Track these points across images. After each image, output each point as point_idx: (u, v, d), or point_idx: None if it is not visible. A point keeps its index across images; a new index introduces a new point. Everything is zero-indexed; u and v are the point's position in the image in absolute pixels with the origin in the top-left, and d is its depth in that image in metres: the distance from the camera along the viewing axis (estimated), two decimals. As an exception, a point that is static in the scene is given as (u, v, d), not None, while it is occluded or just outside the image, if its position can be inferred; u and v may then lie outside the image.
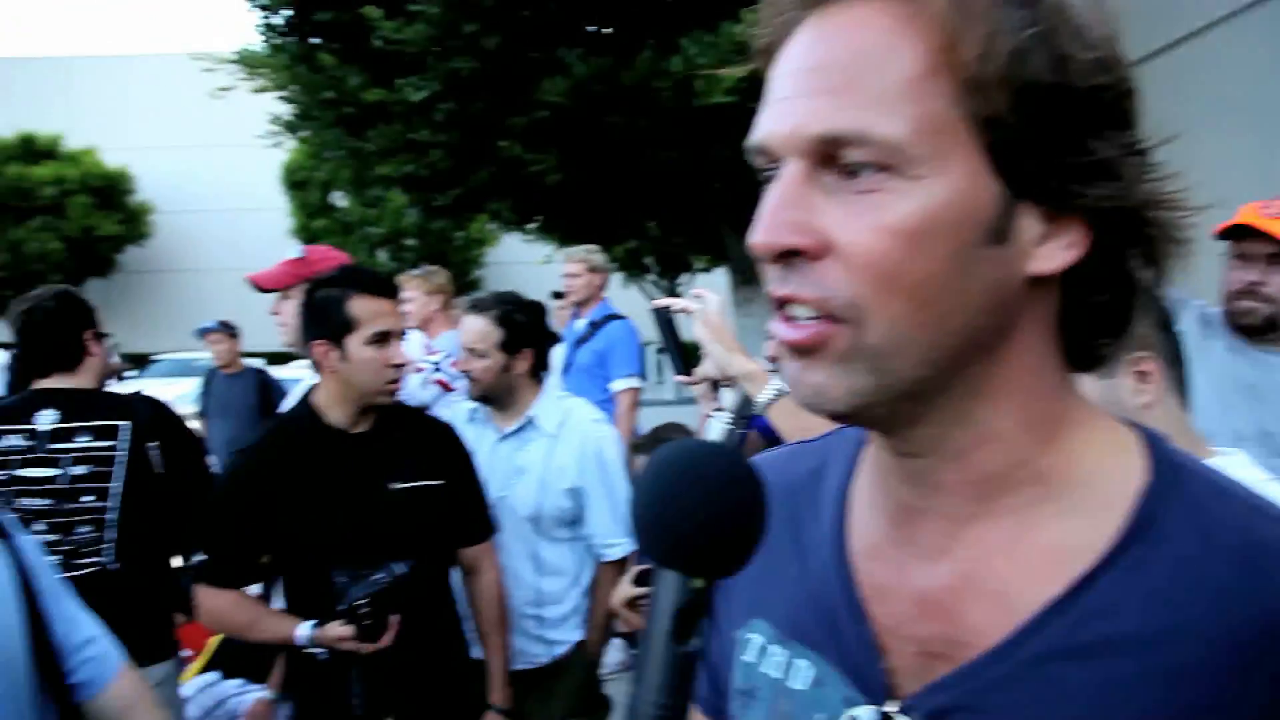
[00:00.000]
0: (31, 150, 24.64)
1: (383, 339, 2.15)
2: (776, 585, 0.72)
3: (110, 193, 25.54)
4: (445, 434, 2.38)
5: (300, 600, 2.21)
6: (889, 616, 0.66)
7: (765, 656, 0.72)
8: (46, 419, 2.51)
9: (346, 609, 2.08)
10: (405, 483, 2.20)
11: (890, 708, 0.64)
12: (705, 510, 0.54)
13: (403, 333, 2.22)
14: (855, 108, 0.57)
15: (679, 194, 8.43)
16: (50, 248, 23.60)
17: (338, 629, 2.07)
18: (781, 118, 0.61)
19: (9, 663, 0.87)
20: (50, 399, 2.55)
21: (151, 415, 2.68)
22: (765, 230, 0.59)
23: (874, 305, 0.57)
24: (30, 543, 0.95)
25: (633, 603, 2.61)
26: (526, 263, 15.98)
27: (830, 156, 0.58)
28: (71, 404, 2.55)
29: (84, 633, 1.00)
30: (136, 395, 2.78)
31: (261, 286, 2.78)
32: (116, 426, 2.56)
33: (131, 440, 2.56)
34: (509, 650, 2.45)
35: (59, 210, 24.06)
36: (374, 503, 2.17)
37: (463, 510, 2.35)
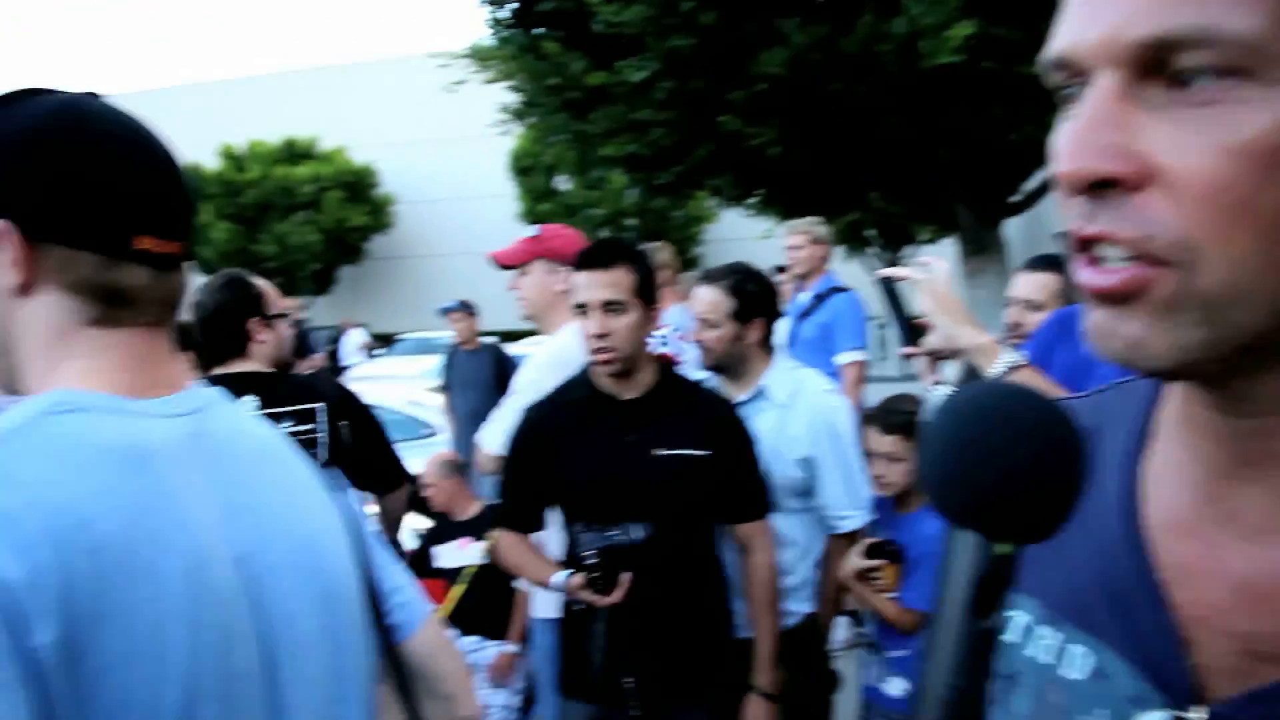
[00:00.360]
0: (293, 153, 27.12)
1: (580, 310, 2.24)
2: (1047, 557, 0.60)
3: (358, 187, 27.70)
4: (721, 408, 2.37)
5: (566, 551, 2.34)
6: (1198, 604, 0.55)
7: (1031, 638, 0.64)
8: (249, 406, 2.53)
9: (577, 559, 2.18)
10: (668, 450, 2.21)
11: (1197, 715, 0.54)
12: (1018, 458, 0.47)
13: (612, 305, 2.20)
14: (1194, 1, 0.46)
15: (904, 162, 8.12)
16: (310, 239, 25.94)
17: (576, 579, 2.17)
18: (1091, 21, 0.50)
19: (347, 598, 0.96)
20: (246, 385, 2.52)
21: (339, 395, 2.77)
22: (1073, 156, 0.49)
23: (1211, 244, 0.47)
24: (352, 496, 1.07)
25: (863, 575, 2.56)
26: (745, 239, 15.94)
27: (1157, 64, 0.48)
28: (267, 389, 2.58)
29: (395, 580, 1.08)
30: (318, 376, 2.91)
31: (501, 263, 2.92)
32: (313, 409, 2.63)
33: (328, 421, 2.64)
34: (778, 634, 2.37)
35: (316, 205, 26.37)
36: (627, 465, 2.22)
37: (732, 486, 2.31)
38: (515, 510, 2.40)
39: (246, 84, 32.18)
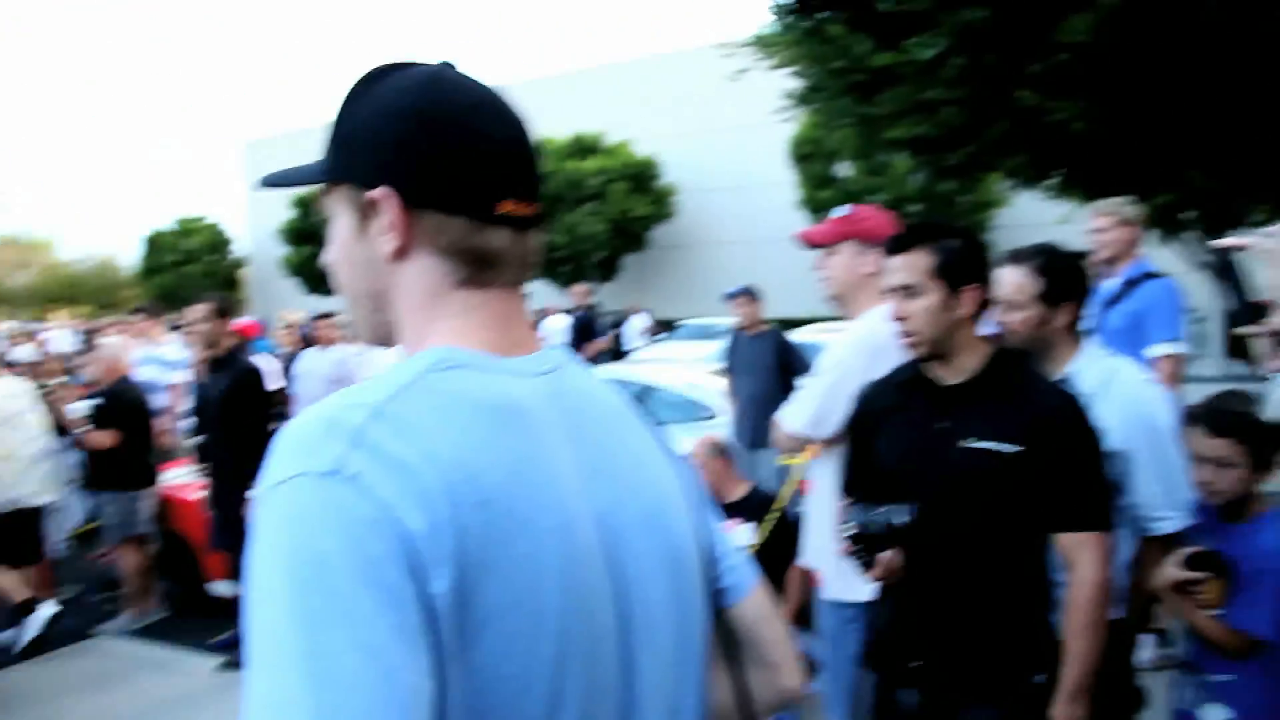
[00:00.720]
0: (581, 147, 28.56)
1: (887, 293, 2.22)
2: None
3: (642, 178, 28.70)
4: (1055, 404, 2.11)
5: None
6: None
7: None
8: None
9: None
10: (976, 442, 2.08)
11: None
12: None
13: (908, 288, 2.15)
14: None
15: (1231, 133, 7.24)
16: (596, 229, 27.23)
17: (843, 547, 2.19)
18: None
19: (689, 562, 0.95)
20: None
21: None
22: None
23: None
24: (687, 459, 1.06)
25: (1182, 588, 2.34)
26: (1040, 224, 14.92)
27: None
28: None
29: (724, 545, 1.07)
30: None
31: (809, 242, 2.91)
32: None
33: None
34: (1089, 665, 2.06)
35: (602, 196, 27.63)
36: (926, 452, 2.16)
37: (1050, 489, 2.06)
38: (849, 480, 2.43)
39: (538, 85, 34.17)
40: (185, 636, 5.60)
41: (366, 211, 0.89)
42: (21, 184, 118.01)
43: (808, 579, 3.00)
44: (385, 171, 0.87)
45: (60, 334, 14.30)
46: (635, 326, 17.84)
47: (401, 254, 0.89)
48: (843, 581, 2.65)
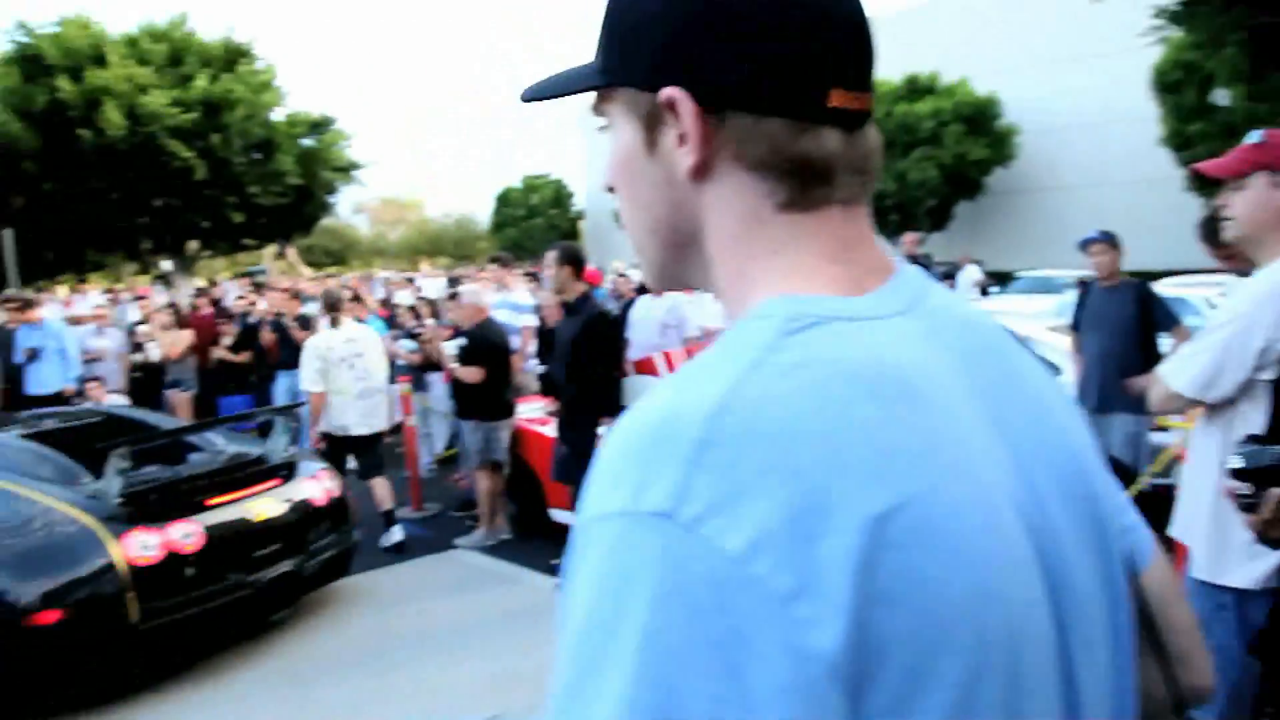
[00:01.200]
0: (914, 89, 27.40)
1: None
2: None
3: (979, 119, 27.09)
4: None
5: None
6: None
7: None
8: None
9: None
10: None
11: None
12: None
13: None
14: None
15: None
16: (928, 175, 26.11)
17: (1228, 486, 1.97)
18: None
19: (1109, 523, 0.73)
20: None
21: None
22: None
23: None
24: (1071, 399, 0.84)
25: None
26: None
27: None
28: None
29: (1118, 500, 0.83)
30: None
31: (1211, 175, 2.55)
32: None
33: None
34: None
35: (936, 140, 26.39)
36: None
37: None
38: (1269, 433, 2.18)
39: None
40: (529, 556, 6.15)
41: (653, 120, 0.69)
42: (397, 150, 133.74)
43: (1173, 555, 2.68)
44: (674, 66, 0.67)
45: (431, 281, 16.09)
46: (968, 278, 17.02)
47: (702, 172, 0.68)
48: (1217, 562, 2.36)
